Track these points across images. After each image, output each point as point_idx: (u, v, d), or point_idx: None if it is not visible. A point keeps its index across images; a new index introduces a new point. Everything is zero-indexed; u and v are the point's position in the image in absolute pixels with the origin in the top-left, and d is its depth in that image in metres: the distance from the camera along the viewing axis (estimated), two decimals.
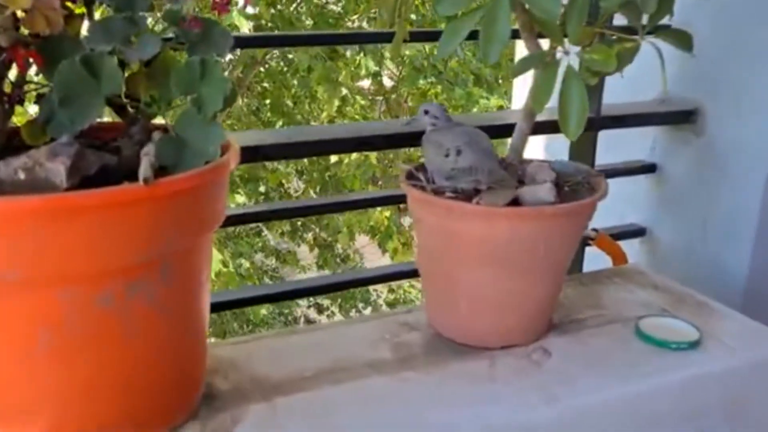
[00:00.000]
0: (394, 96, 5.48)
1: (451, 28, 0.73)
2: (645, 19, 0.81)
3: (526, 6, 0.72)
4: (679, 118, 1.29)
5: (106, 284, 0.59)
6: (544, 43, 0.84)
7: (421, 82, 4.85)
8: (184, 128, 0.63)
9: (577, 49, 0.75)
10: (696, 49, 0.82)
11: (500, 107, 4.63)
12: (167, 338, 0.66)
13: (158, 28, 0.66)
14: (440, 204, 0.83)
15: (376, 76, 5.14)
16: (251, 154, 1.02)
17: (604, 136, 1.28)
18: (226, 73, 5.67)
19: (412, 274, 1.22)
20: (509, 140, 0.95)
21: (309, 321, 5.86)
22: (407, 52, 4.62)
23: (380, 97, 5.48)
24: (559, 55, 0.78)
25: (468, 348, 0.89)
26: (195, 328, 0.71)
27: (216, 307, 1.12)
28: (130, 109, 0.68)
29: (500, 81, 5.00)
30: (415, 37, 1.19)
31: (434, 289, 0.92)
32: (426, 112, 0.93)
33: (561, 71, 0.75)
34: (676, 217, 1.35)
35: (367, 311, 5.76)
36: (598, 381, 0.83)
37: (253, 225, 5.25)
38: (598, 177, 0.93)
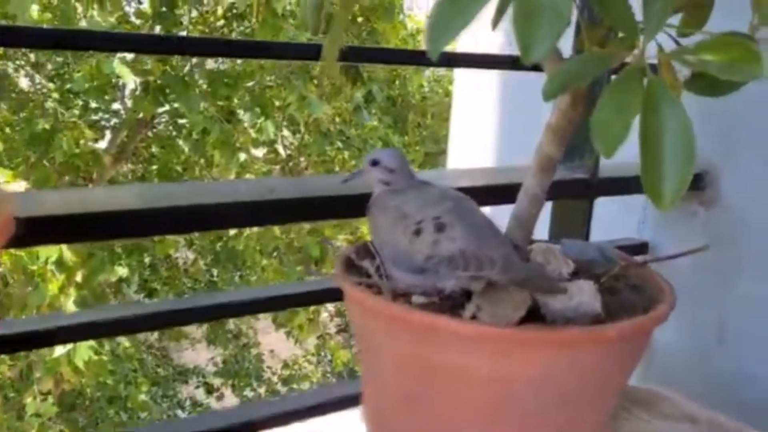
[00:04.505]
0: (291, 164, 5.13)
1: (450, 4, 0.39)
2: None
3: None
4: None
5: None
6: None
7: (328, 148, 4.53)
8: None
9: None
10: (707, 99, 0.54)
11: None
12: None
13: None
14: (412, 320, 0.47)
15: (272, 143, 4.80)
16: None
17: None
18: (108, 135, 5.22)
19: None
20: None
21: (196, 403, 5.27)
22: (313, 116, 4.30)
23: (276, 166, 5.11)
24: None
25: None
26: None
27: None
28: None
29: (408, 149, 4.76)
30: (359, 55, 0.85)
31: None
32: (375, 163, 0.58)
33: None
34: (679, 313, 1.04)
35: (262, 390, 5.30)
36: None
37: (135, 297, 4.70)
38: (641, 269, 0.60)
